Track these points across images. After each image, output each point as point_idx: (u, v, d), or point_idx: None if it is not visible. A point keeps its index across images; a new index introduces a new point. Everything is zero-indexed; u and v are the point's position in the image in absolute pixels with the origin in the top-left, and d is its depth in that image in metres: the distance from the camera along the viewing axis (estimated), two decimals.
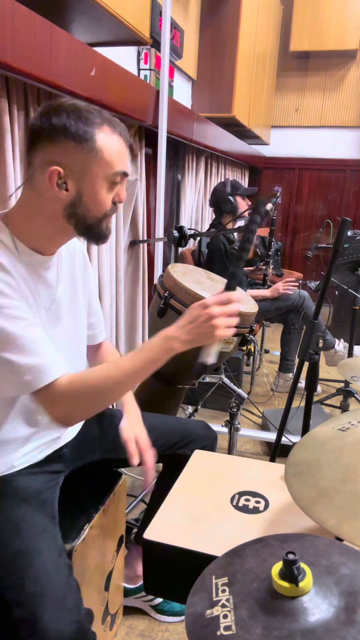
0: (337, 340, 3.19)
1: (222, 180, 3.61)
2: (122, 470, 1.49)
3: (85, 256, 1.29)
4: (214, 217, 3.06)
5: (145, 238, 2.57)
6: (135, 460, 1.24)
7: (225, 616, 0.61)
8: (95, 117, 0.99)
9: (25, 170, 1.66)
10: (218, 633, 0.59)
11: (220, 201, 2.91)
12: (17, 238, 1.04)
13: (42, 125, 0.97)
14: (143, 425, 1.32)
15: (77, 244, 1.25)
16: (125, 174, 1.04)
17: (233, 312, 1.04)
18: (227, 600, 0.63)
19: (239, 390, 1.82)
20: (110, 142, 1.00)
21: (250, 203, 2.95)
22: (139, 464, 1.26)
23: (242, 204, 2.90)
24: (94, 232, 1.06)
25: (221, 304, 1.03)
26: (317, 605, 0.59)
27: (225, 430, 1.86)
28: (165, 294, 1.64)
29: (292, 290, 2.97)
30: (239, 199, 2.89)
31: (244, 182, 5.12)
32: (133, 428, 1.29)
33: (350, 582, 0.62)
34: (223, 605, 0.63)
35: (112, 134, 1.00)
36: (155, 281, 1.83)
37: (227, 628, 0.59)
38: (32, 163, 1.00)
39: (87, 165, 0.98)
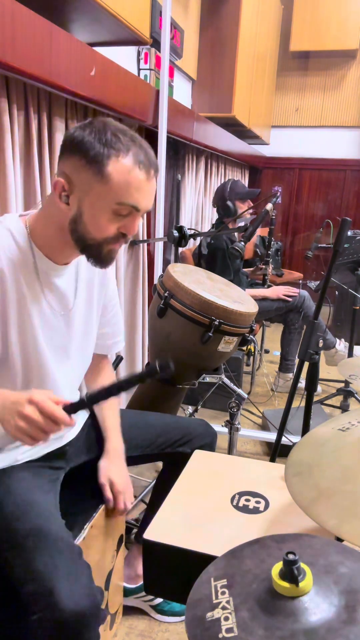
0: (337, 340, 3.19)
1: (223, 180, 3.60)
2: None
3: (106, 270, 1.25)
4: (217, 216, 3.06)
5: (145, 238, 2.57)
6: (110, 505, 1.26)
7: (226, 618, 0.61)
8: (119, 143, 0.95)
9: (25, 171, 1.66)
10: (220, 635, 0.59)
11: (219, 205, 2.92)
12: (34, 242, 1.06)
13: (72, 135, 0.97)
14: (124, 463, 1.31)
15: None
16: (136, 209, 0.99)
17: (45, 429, 0.88)
18: (228, 602, 0.63)
19: (239, 390, 1.81)
20: (124, 172, 0.95)
21: (252, 204, 2.95)
22: (114, 507, 1.27)
23: (242, 206, 2.90)
24: (93, 254, 1.04)
25: (45, 413, 0.87)
26: (317, 605, 0.59)
27: (225, 430, 1.86)
28: (165, 294, 1.64)
29: (293, 298, 2.98)
30: (237, 202, 2.89)
31: (244, 182, 5.11)
32: (110, 469, 1.28)
33: (349, 581, 0.62)
34: (223, 608, 0.62)
35: (133, 165, 0.95)
36: (155, 281, 1.83)
37: (229, 630, 0.59)
38: (58, 170, 1.01)
39: (92, 186, 0.96)
